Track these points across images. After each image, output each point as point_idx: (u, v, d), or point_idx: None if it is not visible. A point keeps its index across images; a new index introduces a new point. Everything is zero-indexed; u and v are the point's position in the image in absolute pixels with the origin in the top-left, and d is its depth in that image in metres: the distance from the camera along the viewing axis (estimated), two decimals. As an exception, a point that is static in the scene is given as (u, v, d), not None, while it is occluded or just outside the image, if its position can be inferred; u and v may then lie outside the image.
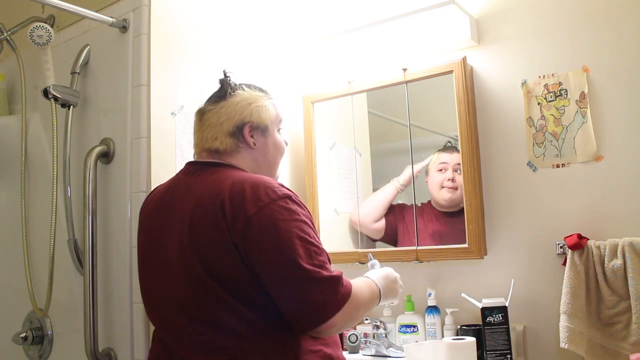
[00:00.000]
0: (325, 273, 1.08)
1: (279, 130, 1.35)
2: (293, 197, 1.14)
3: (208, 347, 1.11)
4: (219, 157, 1.26)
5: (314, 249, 1.10)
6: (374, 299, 1.26)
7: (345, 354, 1.81)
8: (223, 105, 1.28)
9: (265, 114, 1.30)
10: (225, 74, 1.32)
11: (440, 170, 1.82)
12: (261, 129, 1.29)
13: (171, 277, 1.16)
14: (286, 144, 1.37)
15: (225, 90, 1.30)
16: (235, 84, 1.31)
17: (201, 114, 1.31)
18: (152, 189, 1.46)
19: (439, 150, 1.84)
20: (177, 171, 1.59)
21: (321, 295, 1.07)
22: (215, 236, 1.10)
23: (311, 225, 1.14)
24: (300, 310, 1.08)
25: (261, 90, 1.34)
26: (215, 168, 1.23)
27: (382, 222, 1.92)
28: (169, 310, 1.18)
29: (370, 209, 1.94)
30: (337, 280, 1.10)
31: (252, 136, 1.27)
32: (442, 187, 1.81)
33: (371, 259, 1.52)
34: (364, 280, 1.28)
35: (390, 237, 1.92)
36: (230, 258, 1.09)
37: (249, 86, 1.33)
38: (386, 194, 1.93)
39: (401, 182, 1.91)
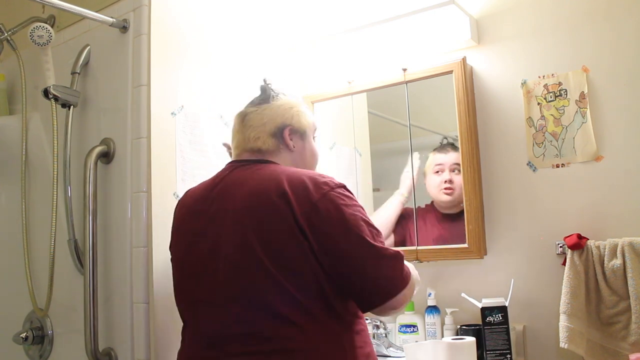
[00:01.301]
0: (391, 250, 1.16)
1: (314, 137, 1.41)
2: (346, 186, 1.20)
3: (257, 337, 1.12)
4: (261, 155, 1.30)
5: (375, 231, 1.16)
6: (418, 282, 1.30)
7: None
8: (266, 107, 1.34)
9: (304, 119, 1.36)
10: (265, 81, 1.39)
11: (437, 172, 1.81)
12: (300, 134, 1.35)
13: (223, 267, 1.16)
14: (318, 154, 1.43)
15: (268, 94, 1.37)
16: (276, 90, 1.38)
17: (243, 116, 1.35)
18: (150, 188, 1.49)
19: (435, 149, 1.84)
20: (178, 171, 1.60)
21: (391, 271, 1.15)
22: (279, 222, 1.12)
23: (363, 209, 1.20)
24: (371, 286, 1.14)
25: (298, 98, 1.42)
26: (262, 164, 1.26)
27: (391, 239, 1.90)
28: (217, 301, 1.17)
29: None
30: (401, 257, 1.17)
31: (291, 139, 1.33)
32: (440, 189, 1.80)
33: None
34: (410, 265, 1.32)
35: (401, 245, 1.91)
36: (294, 243, 1.11)
37: (289, 93, 1.40)
38: (392, 210, 1.90)
39: (404, 194, 1.89)
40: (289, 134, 1.32)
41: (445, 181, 1.78)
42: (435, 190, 1.82)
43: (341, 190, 1.17)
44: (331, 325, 1.14)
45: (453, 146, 1.78)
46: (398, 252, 1.17)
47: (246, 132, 1.32)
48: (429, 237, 1.83)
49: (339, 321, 1.16)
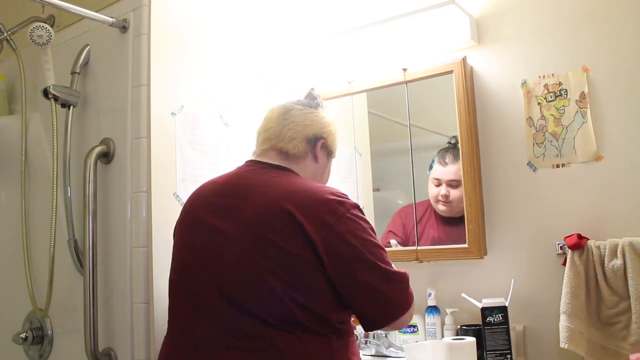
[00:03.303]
0: (399, 274, 1.19)
1: (331, 161, 1.44)
2: (359, 206, 1.22)
3: (245, 336, 1.13)
4: (286, 160, 1.31)
5: (382, 252, 1.18)
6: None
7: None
8: (311, 111, 1.36)
9: (336, 140, 1.41)
10: (313, 90, 1.43)
11: (435, 185, 1.83)
12: (327, 151, 1.38)
13: (224, 267, 1.17)
14: None
15: (317, 102, 1.39)
16: (322, 102, 1.42)
17: (287, 109, 1.36)
18: (150, 188, 1.50)
19: (439, 152, 1.83)
20: (177, 171, 1.60)
21: (398, 293, 1.19)
22: (289, 236, 1.13)
23: (374, 231, 1.22)
24: (378, 308, 1.17)
25: (334, 119, 1.43)
26: (283, 172, 1.27)
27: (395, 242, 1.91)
28: (213, 299, 1.17)
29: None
30: (407, 279, 1.22)
31: (320, 152, 1.35)
32: (437, 200, 1.83)
33: None
34: None
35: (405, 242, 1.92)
36: (303, 259, 1.12)
37: (330, 113, 1.42)
38: None
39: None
40: (321, 147, 1.35)
41: (442, 195, 1.81)
42: (433, 199, 1.84)
43: (356, 212, 1.19)
44: (323, 333, 1.16)
45: (456, 152, 1.77)
46: (405, 274, 1.21)
47: (285, 127, 1.32)
48: (427, 236, 1.83)
49: (331, 329, 1.17)
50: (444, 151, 1.82)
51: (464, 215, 1.72)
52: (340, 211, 1.16)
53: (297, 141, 1.31)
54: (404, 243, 1.88)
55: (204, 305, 1.19)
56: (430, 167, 1.85)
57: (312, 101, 1.39)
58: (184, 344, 1.20)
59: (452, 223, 1.80)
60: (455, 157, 1.77)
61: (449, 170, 1.79)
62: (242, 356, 1.12)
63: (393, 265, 1.20)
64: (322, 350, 1.15)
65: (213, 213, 1.23)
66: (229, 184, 1.28)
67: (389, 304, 1.18)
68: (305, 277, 1.13)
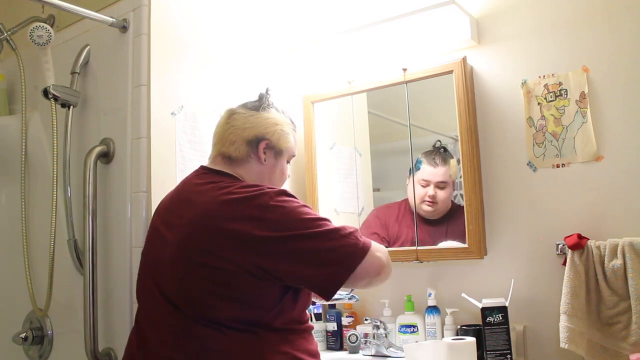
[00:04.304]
0: (342, 231, 1.17)
1: (288, 160, 1.43)
2: (284, 191, 1.21)
3: (185, 335, 1.17)
4: (229, 164, 1.34)
5: (319, 223, 1.18)
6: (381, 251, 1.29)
7: (345, 354, 1.82)
8: (253, 114, 1.37)
9: (284, 139, 1.38)
10: (267, 91, 1.42)
11: (423, 186, 1.83)
12: (275, 151, 1.37)
13: (169, 273, 1.22)
14: (289, 175, 1.45)
15: (261, 103, 1.39)
16: (272, 103, 1.41)
17: (231, 113, 1.39)
18: (150, 188, 1.52)
19: (424, 153, 1.84)
20: (177, 171, 1.60)
21: (345, 247, 1.16)
22: (216, 238, 1.16)
23: (310, 208, 1.22)
24: (328, 266, 1.15)
25: (290, 119, 1.43)
26: (222, 177, 1.29)
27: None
28: (157, 301, 1.23)
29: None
30: (351, 233, 1.18)
31: (264, 153, 1.35)
32: (423, 201, 1.83)
33: None
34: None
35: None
36: (229, 257, 1.14)
37: (282, 111, 1.42)
38: None
39: None
40: (265, 148, 1.35)
41: (429, 196, 1.82)
42: (418, 199, 1.84)
43: (279, 198, 1.18)
44: (253, 331, 1.17)
45: (444, 155, 1.80)
46: (341, 228, 1.19)
47: (227, 132, 1.36)
48: (407, 237, 1.85)
49: (265, 328, 1.18)
50: (430, 153, 1.83)
51: (444, 215, 1.77)
52: (265, 202, 1.16)
53: (238, 144, 1.34)
54: (389, 243, 1.89)
55: (152, 306, 1.26)
56: (417, 168, 1.85)
57: (258, 103, 1.40)
58: (139, 343, 1.26)
59: (432, 224, 1.82)
60: (444, 159, 1.80)
61: (439, 171, 1.81)
62: (180, 355, 1.16)
63: (333, 226, 1.19)
64: (249, 348, 1.16)
65: (162, 223, 1.30)
66: (174, 197, 1.33)
67: (338, 256, 1.16)
68: (232, 278, 1.15)
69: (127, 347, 1.30)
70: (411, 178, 1.86)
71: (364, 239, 1.20)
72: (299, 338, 1.24)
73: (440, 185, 1.80)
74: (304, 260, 1.15)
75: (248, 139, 1.34)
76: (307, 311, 1.30)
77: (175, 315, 1.18)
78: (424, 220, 1.84)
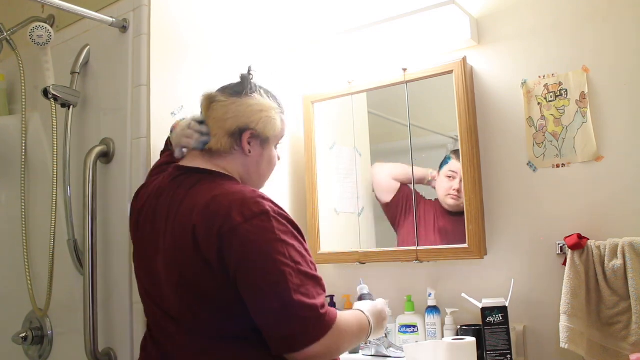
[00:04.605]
0: (306, 298, 1.02)
1: (276, 145, 1.33)
2: (271, 213, 1.07)
3: (170, 348, 1.16)
4: (209, 158, 1.22)
5: (289, 271, 1.03)
6: (362, 334, 1.21)
7: (345, 353, 1.81)
8: (235, 101, 1.23)
9: (271, 126, 1.26)
10: (249, 71, 1.29)
11: (449, 177, 1.82)
12: (261, 139, 1.25)
13: (156, 283, 1.19)
14: (278, 159, 1.34)
15: (244, 87, 1.25)
16: (255, 85, 1.27)
17: (210, 101, 1.25)
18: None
19: (452, 151, 1.83)
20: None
21: (294, 324, 1.01)
22: (190, 251, 1.09)
23: (288, 242, 1.06)
24: (272, 335, 1.04)
25: (276, 101, 1.30)
26: (200, 176, 1.20)
27: (397, 186, 1.92)
28: (150, 304, 1.23)
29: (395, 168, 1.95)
30: (316, 308, 1.02)
31: (249, 143, 1.23)
32: (448, 194, 1.82)
33: (361, 283, 1.52)
34: (354, 313, 1.24)
35: (393, 211, 1.92)
36: (204, 272, 1.08)
37: (267, 92, 1.29)
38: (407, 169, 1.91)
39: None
40: (249, 138, 1.23)
41: (454, 189, 1.80)
42: (443, 192, 1.83)
43: (258, 221, 1.06)
44: (233, 339, 1.11)
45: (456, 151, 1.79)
46: (312, 303, 1.02)
47: (207, 122, 1.24)
48: (430, 229, 1.84)
49: (241, 336, 1.11)
50: (459, 151, 1.81)
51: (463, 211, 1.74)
52: (236, 221, 1.05)
53: (219, 137, 1.21)
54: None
55: (151, 309, 1.24)
56: (446, 162, 1.84)
57: (240, 87, 1.26)
58: (154, 343, 1.24)
59: (456, 216, 1.79)
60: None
61: (452, 164, 1.80)
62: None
63: (309, 286, 1.04)
64: (229, 354, 1.11)
65: (139, 230, 1.26)
66: (149, 204, 1.24)
67: (285, 332, 1.02)
68: (213, 296, 1.09)
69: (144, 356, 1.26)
70: (440, 172, 1.84)
71: (327, 317, 1.04)
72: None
73: (455, 175, 1.79)
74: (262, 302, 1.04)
75: (230, 131, 1.21)
76: None
77: (167, 321, 1.16)
78: (450, 213, 1.82)
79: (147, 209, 1.25)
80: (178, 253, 1.12)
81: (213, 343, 1.12)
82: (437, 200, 1.85)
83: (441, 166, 1.84)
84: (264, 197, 1.11)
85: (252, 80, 1.28)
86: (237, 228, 1.05)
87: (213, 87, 1.31)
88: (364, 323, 1.22)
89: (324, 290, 1.08)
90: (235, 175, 1.24)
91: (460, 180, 1.77)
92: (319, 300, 1.04)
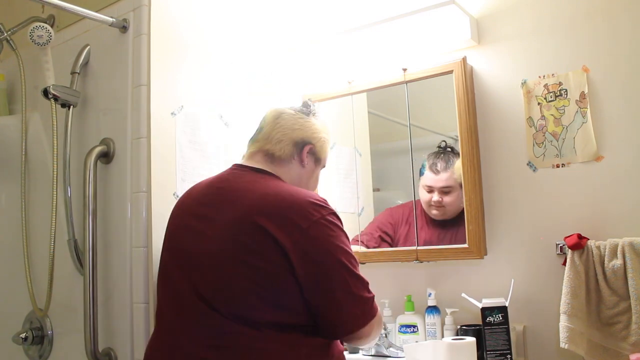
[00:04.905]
0: (365, 291, 1.21)
1: (321, 169, 1.46)
2: (336, 213, 1.23)
3: (221, 334, 1.16)
4: (270, 162, 1.34)
5: (354, 262, 1.20)
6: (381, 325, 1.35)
7: (345, 354, 1.81)
8: (303, 117, 1.39)
9: (325, 148, 1.43)
10: (309, 99, 1.47)
11: (427, 191, 1.82)
12: (315, 157, 1.40)
13: (202, 269, 1.20)
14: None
15: (310, 110, 1.42)
16: (316, 111, 1.44)
17: (280, 113, 1.39)
18: (150, 188, 1.52)
19: (428, 155, 1.83)
20: (177, 171, 1.60)
21: (357, 309, 1.19)
22: (261, 240, 1.15)
23: (347, 242, 1.22)
24: (336, 320, 1.18)
25: (328, 129, 1.46)
26: (261, 175, 1.29)
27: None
28: (189, 299, 1.20)
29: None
30: (372, 299, 1.22)
31: (307, 157, 1.37)
32: (430, 205, 1.82)
33: None
34: None
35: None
36: (274, 262, 1.14)
37: (323, 122, 1.44)
38: None
39: None
40: (308, 152, 1.37)
41: (434, 201, 1.80)
42: (426, 204, 1.84)
43: (331, 218, 1.20)
44: (291, 332, 1.17)
45: (447, 157, 1.79)
46: (369, 296, 1.22)
47: (274, 129, 1.36)
48: (420, 238, 1.83)
49: (301, 330, 1.18)
50: (434, 156, 1.82)
51: (456, 217, 1.74)
52: (314, 216, 1.17)
53: (284, 144, 1.34)
54: (391, 244, 1.88)
55: (182, 304, 1.22)
56: (421, 173, 1.84)
57: (305, 108, 1.42)
58: (166, 343, 1.24)
59: (443, 226, 1.81)
60: (447, 163, 1.78)
61: (441, 178, 1.79)
62: (215, 354, 1.15)
63: (363, 279, 1.22)
64: (289, 348, 1.16)
65: (194, 218, 1.28)
66: (209, 192, 1.31)
67: (348, 317, 1.19)
68: (275, 281, 1.15)
69: (149, 353, 1.28)
70: (420, 179, 1.85)
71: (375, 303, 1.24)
72: (332, 342, 1.24)
73: (445, 190, 1.79)
74: (336, 290, 1.17)
75: (295, 140, 1.35)
76: None
77: (210, 315, 1.17)
78: (436, 222, 1.83)
79: (200, 193, 1.32)
80: (243, 234, 1.16)
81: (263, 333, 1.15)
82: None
83: (421, 172, 1.85)
84: (323, 198, 1.25)
85: (313, 106, 1.44)
86: (315, 223, 1.16)
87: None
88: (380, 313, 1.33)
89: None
90: (290, 184, 1.32)
91: (440, 193, 1.78)
92: (371, 294, 1.23)
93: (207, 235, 1.21)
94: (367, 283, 1.22)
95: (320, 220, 1.17)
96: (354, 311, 1.19)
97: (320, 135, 1.40)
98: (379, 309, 1.26)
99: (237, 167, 1.35)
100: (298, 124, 1.37)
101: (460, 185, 1.73)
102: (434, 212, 1.82)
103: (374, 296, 1.23)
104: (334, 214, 1.22)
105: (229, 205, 1.22)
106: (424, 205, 1.84)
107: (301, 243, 1.14)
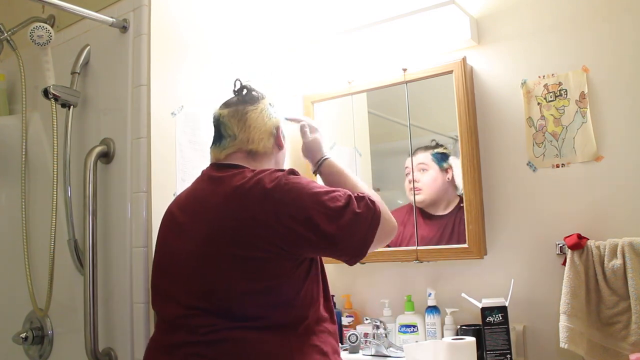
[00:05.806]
0: (341, 202, 1.18)
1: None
2: (294, 170, 1.23)
3: (217, 337, 1.16)
4: (252, 158, 1.32)
5: (325, 197, 1.18)
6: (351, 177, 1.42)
7: (345, 354, 1.81)
8: (260, 105, 1.36)
9: (278, 110, 1.40)
10: (241, 82, 1.40)
11: (406, 174, 1.85)
12: (281, 130, 1.39)
13: (187, 263, 1.21)
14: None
15: (256, 95, 1.37)
16: (255, 88, 1.40)
17: (241, 114, 1.34)
18: (150, 188, 1.52)
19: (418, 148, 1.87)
20: (177, 171, 1.60)
21: (361, 224, 1.18)
22: (246, 222, 1.15)
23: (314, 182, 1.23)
24: (343, 248, 1.18)
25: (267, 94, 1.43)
26: (236, 170, 1.27)
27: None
28: (179, 298, 1.22)
29: None
30: (353, 199, 1.20)
31: (282, 137, 1.38)
32: (409, 189, 1.84)
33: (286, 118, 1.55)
34: (343, 173, 1.43)
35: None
36: (263, 237, 1.14)
37: (263, 91, 1.42)
38: None
39: None
40: (281, 132, 1.38)
41: (410, 181, 1.81)
42: (408, 192, 1.85)
43: (292, 175, 1.21)
44: (282, 326, 1.17)
45: (427, 148, 1.83)
46: (349, 195, 1.20)
47: (248, 132, 1.33)
48: (411, 236, 1.84)
49: (293, 323, 1.18)
50: (422, 148, 1.86)
51: (448, 213, 1.77)
52: (277, 176, 1.18)
53: (265, 140, 1.34)
54: (391, 244, 1.88)
55: (173, 303, 1.23)
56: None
57: (254, 94, 1.38)
58: (165, 341, 1.24)
59: (434, 219, 1.81)
60: (426, 149, 1.84)
61: (418, 157, 1.84)
62: (211, 349, 1.15)
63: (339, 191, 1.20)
64: (278, 342, 1.16)
65: (177, 224, 1.29)
66: (191, 194, 1.32)
67: (355, 238, 1.18)
68: (266, 269, 1.15)
69: (149, 352, 1.28)
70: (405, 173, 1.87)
71: (375, 204, 1.22)
72: (327, 336, 1.24)
73: (420, 167, 1.82)
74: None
75: (270, 131, 1.35)
76: (327, 311, 1.29)
77: (204, 312, 1.17)
78: (429, 218, 1.83)
79: (184, 197, 1.34)
80: (225, 228, 1.17)
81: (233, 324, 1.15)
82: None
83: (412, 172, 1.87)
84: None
85: (252, 87, 1.40)
86: (280, 180, 1.17)
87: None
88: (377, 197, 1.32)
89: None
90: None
91: (417, 170, 1.82)
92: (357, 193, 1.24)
93: (191, 234, 1.22)
94: (347, 194, 1.20)
95: (282, 179, 1.18)
96: (360, 228, 1.18)
97: (275, 108, 1.38)
98: (377, 200, 1.25)
99: (214, 167, 1.33)
100: (266, 116, 1.35)
101: (444, 170, 1.79)
102: (417, 199, 1.83)
103: (364, 196, 1.22)
104: (293, 171, 1.22)
105: (208, 202, 1.23)
106: (407, 195, 1.86)
107: (273, 202, 1.15)
